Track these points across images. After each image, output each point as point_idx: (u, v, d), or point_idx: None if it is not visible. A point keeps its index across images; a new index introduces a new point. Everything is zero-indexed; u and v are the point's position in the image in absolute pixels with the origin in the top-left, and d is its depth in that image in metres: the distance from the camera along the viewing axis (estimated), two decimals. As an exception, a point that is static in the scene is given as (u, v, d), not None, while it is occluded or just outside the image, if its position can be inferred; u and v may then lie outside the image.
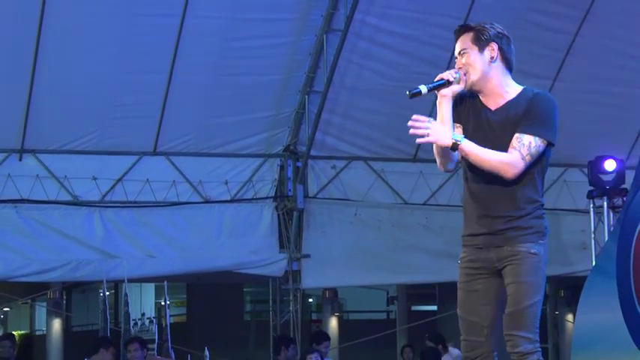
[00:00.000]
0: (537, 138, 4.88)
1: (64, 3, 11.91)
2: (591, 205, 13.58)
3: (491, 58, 5.00)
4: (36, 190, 12.89)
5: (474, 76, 5.01)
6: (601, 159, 13.29)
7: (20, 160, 12.90)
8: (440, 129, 4.86)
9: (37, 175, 12.90)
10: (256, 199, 13.82)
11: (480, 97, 5.07)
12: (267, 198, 13.87)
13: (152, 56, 12.61)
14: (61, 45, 12.19)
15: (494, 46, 5.01)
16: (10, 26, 12.00)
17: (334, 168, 14.07)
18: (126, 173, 13.25)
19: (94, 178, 13.10)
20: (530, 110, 4.93)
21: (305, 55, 13.15)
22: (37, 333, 32.24)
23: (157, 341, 12.97)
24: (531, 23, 13.26)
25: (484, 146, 4.93)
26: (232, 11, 12.48)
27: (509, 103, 5.01)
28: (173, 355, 11.96)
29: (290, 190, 13.88)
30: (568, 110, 13.92)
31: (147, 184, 13.26)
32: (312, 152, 13.84)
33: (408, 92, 4.96)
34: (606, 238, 12.64)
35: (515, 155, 4.85)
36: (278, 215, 13.90)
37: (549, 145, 4.95)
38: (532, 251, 4.90)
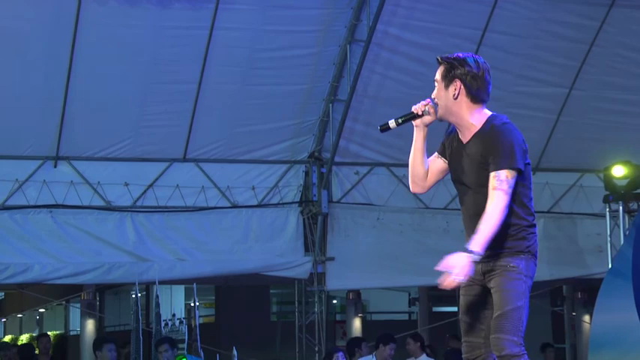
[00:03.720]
0: (510, 170, 5.01)
1: (97, 16, 12.14)
2: (607, 209, 13.64)
3: (454, 95, 5.15)
4: (70, 195, 13.11)
5: (440, 110, 5.21)
6: (615, 165, 13.41)
7: (55, 166, 13.12)
8: (458, 264, 4.93)
9: (72, 181, 13.13)
10: (282, 204, 14.02)
11: (458, 131, 5.29)
12: (292, 203, 14.09)
13: (182, 67, 12.85)
14: (94, 56, 12.42)
15: (458, 84, 5.14)
16: (46, 39, 12.24)
17: (357, 174, 14.28)
18: (157, 179, 13.47)
19: (126, 184, 13.34)
20: (494, 146, 5.06)
21: (329, 65, 13.38)
22: (72, 333, 32.37)
23: (186, 341, 13.20)
24: (548, 33, 13.51)
25: (461, 175, 5.21)
26: (259, 23, 12.72)
27: (475, 136, 5.17)
28: (202, 355, 12.02)
29: (315, 195, 14.06)
30: (584, 118, 14.22)
31: (177, 190, 13.49)
32: (336, 159, 14.04)
33: (379, 127, 5.31)
34: (622, 242, 12.80)
35: (498, 196, 4.98)
36: (303, 219, 14.10)
37: (519, 171, 5.06)
38: (512, 264, 5.08)
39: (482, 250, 4.96)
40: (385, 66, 13.46)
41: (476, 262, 5.09)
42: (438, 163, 5.40)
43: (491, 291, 5.14)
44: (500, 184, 5.00)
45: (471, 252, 4.94)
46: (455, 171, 5.29)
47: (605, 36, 13.59)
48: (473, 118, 5.19)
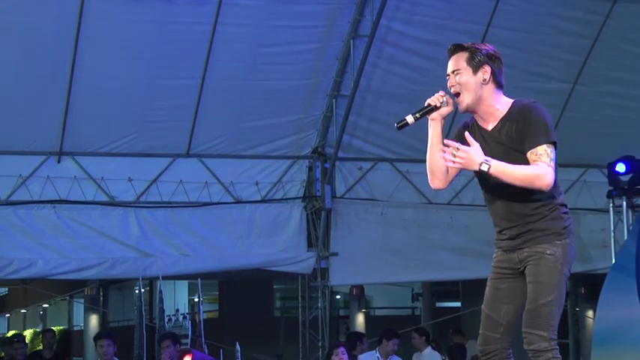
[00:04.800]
0: (548, 145, 4.94)
1: (101, 11, 12.13)
2: (611, 205, 13.62)
3: (484, 80, 5.08)
4: (74, 191, 13.12)
5: (468, 98, 5.11)
6: (619, 160, 13.34)
7: (59, 162, 13.13)
8: (468, 156, 4.92)
9: (75, 177, 13.14)
10: (286, 199, 14.04)
11: (477, 120, 5.20)
12: (296, 198, 14.10)
13: (185, 62, 12.85)
14: (97, 51, 12.41)
15: (487, 68, 5.09)
16: (49, 33, 12.22)
17: (361, 169, 14.28)
18: (160, 174, 13.48)
19: (130, 180, 13.35)
20: (529, 124, 4.99)
21: (332, 60, 13.37)
22: (75, 328, 32.47)
23: (190, 336, 13.20)
24: (552, 28, 13.51)
25: (503, 158, 5.03)
26: (262, 19, 12.70)
27: (502, 120, 5.10)
28: (206, 350, 12.00)
29: (318, 191, 14.07)
30: (588, 113, 14.21)
31: (180, 185, 13.50)
32: (340, 154, 14.04)
33: (396, 124, 5.14)
34: (625, 237, 12.72)
35: (541, 165, 4.91)
36: (307, 215, 14.11)
37: (555, 145, 5.01)
38: (548, 252, 5.02)
39: (495, 170, 4.88)
40: (388, 61, 13.46)
41: (512, 251, 5.11)
42: None
43: (527, 280, 5.09)
44: (539, 157, 4.94)
45: (487, 161, 4.90)
46: None
47: (609, 31, 13.59)
48: (498, 103, 5.13)
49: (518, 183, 4.92)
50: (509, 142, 5.05)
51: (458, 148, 4.94)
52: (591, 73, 13.93)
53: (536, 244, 5.07)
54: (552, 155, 4.94)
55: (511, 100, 5.15)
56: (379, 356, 12.18)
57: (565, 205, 5.16)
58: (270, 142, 13.78)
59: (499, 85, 5.14)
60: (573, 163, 14.48)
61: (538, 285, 5.02)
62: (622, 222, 13.42)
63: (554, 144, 4.97)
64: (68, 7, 12.06)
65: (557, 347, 5.06)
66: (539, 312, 4.99)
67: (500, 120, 5.12)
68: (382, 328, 12.83)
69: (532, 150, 4.96)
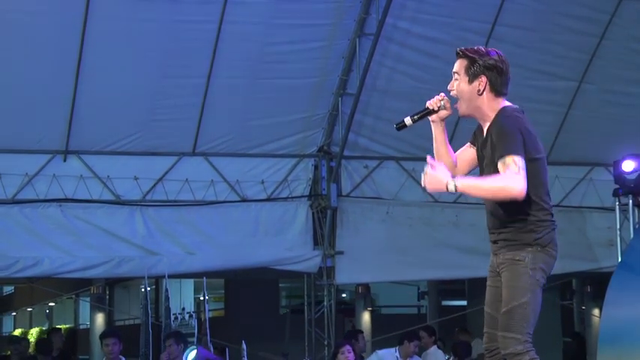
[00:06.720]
0: (514, 156, 4.91)
1: (106, 9, 12.14)
2: (617, 203, 13.52)
3: (479, 90, 5.14)
4: (80, 189, 13.12)
5: (463, 106, 5.21)
6: (625, 158, 13.32)
7: (65, 161, 13.12)
8: (433, 179, 4.97)
9: (81, 176, 13.14)
10: (291, 197, 14.02)
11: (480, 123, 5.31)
12: (301, 197, 14.09)
13: (191, 60, 12.84)
14: (103, 50, 12.41)
15: (483, 79, 5.13)
16: (55, 32, 12.23)
17: (367, 167, 14.28)
18: (166, 173, 13.47)
19: (136, 178, 13.34)
20: (498, 136, 5.03)
21: (338, 58, 13.35)
22: (81, 327, 32.53)
23: (196, 335, 13.23)
24: (558, 26, 13.49)
25: (482, 168, 5.20)
26: (268, 17, 12.70)
27: (488, 129, 5.18)
28: (212, 348, 12.07)
29: (324, 189, 14.05)
30: (594, 111, 14.22)
31: (186, 184, 13.49)
32: (346, 152, 14.04)
33: (395, 125, 5.27)
34: (632, 235, 12.68)
35: (506, 174, 4.89)
36: (312, 213, 14.10)
37: (528, 158, 4.99)
38: (517, 258, 5.08)
39: (462, 187, 4.92)
40: (394, 59, 13.45)
41: (493, 254, 5.20)
42: (469, 152, 5.39)
43: (502, 285, 5.16)
44: (506, 167, 4.91)
45: (453, 179, 4.94)
46: (480, 164, 5.30)
47: (616, 29, 13.57)
48: (493, 111, 5.19)
49: (489, 196, 5.03)
50: (490, 153, 5.12)
51: (426, 172, 5.01)
52: (597, 71, 13.90)
53: (506, 252, 5.14)
54: (521, 164, 4.91)
55: (501, 106, 5.19)
56: (398, 356, 12.25)
57: (544, 221, 5.14)
58: (275, 140, 13.78)
59: (498, 94, 5.19)
60: (579, 161, 14.50)
61: (510, 288, 5.09)
62: (628, 220, 13.37)
63: (520, 156, 4.93)
64: (74, 6, 12.06)
65: (534, 349, 5.06)
66: (512, 314, 5.04)
67: (488, 128, 5.20)
68: (388, 327, 12.86)
69: (500, 160, 4.96)
